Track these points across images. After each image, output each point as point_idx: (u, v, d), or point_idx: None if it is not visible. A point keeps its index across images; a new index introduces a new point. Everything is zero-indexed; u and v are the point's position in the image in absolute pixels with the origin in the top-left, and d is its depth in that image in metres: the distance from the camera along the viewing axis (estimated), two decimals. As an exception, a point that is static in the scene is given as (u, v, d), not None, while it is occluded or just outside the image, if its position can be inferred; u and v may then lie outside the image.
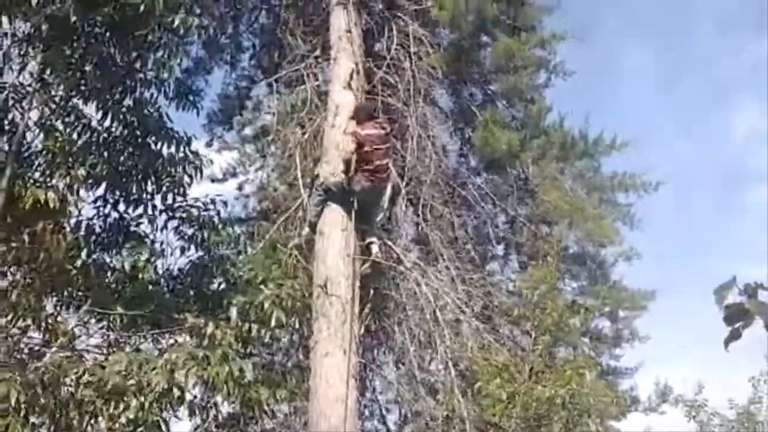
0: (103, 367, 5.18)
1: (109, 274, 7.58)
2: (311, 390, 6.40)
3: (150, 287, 7.60)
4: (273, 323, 6.07)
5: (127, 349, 7.17)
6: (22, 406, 4.66)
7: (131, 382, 5.13)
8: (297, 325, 6.77)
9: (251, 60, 12.33)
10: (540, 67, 9.52)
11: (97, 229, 7.73)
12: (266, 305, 6.15)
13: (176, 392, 5.28)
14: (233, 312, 6.18)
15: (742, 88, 27.81)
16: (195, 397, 5.87)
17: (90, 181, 7.26)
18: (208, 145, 11.65)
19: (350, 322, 6.67)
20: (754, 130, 27.23)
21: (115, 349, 6.99)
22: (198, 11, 7.51)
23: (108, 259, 7.73)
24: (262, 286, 6.43)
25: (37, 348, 6.67)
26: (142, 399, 5.18)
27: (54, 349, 5.61)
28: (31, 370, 4.99)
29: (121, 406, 5.24)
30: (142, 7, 6.69)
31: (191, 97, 8.15)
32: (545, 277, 7.36)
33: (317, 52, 9.76)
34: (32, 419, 4.91)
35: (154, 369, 5.16)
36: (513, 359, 7.08)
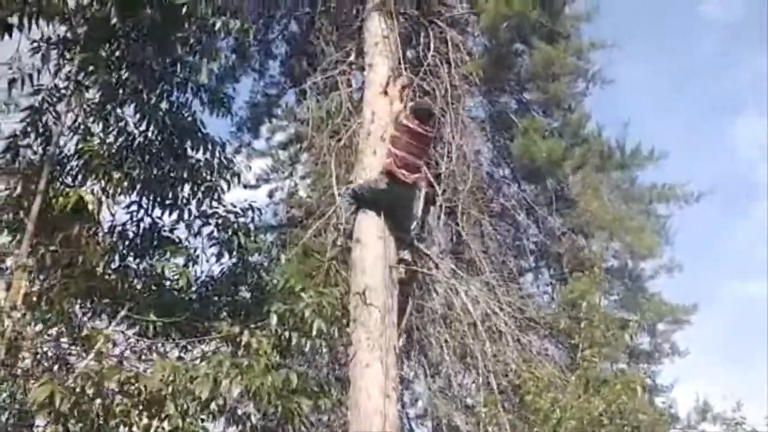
0: (145, 376, 5.03)
1: (141, 280, 7.53)
2: (351, 402, 6.27)
3: (181, 294, 7.50)
4: (314, 332, 5.89)
5: (155, 356, 7.12)
6: (65, 411, 4.51)
7: (172, 390, 4.98)
8: (336, 335, 6.59)
9: (281, 68, 12.28)
10: (578, 76, 9.38)
11: (131, 235, 7.65)
12: (307, 314, 5.97)
13: (219, 401, 5.12)
14: (273, 320, 6.01)
15: (744, 102, 27.71)
16: (236, 407, 5.71)
17: (126, 185, 7.15)
18: (237, 152, 11.56)
19: (389, 332, 6.52)
20: (756, 143, 27.12)
21: (151, 356, 6.92)
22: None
23: (141, 265, 7.66)
24: (302, 294, 6.26)
25: (72, 355, 6.62)
26: (184, 407, 5.03)
27: (92, 355, 5.46)
28: (73, 376, 4.85)
29: (161, 415, 5.10)
30: (183, 9, 6.58)
31: (226, 103, 8.08)
32: (589, 289, 7.18)
33: (351, 58, 9.66)
34: (71, 427, 4.78)
35: (197, 377, 5.01)
36: (559, 373, 6.89)
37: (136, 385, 4.98)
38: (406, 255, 7.54)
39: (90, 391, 4.67)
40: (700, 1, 31.08)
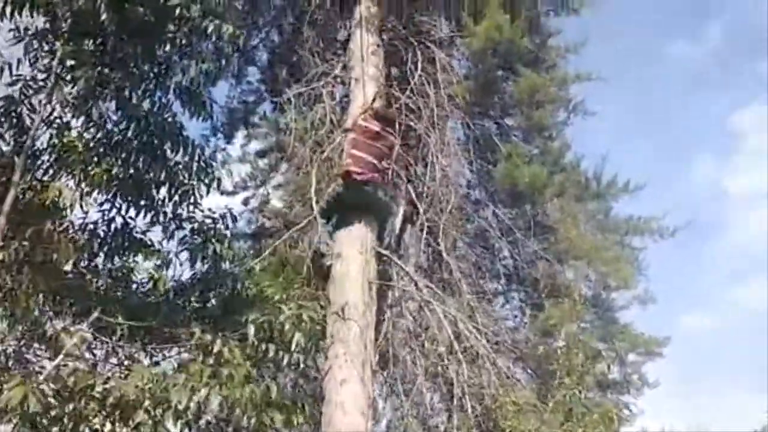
0: (121, 381, 4.84)
1: (109, 280, 7.31)
2: (324, 418, 6.14)
3: (150, 298, 7.29)
4: (293, 346, 5.75)
5: (126, 361, 6.89)
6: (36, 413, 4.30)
7: (147, 397, 4.79)
8: (313, 349, 6.46)
9: (260, 75, 12.15)
10: (561, 105, 9.49)
11: (101, 234, 7.41)
12: (287, 326, 5.84)
13: (193, 411, 4.94)
14: (251, 330, 5.86)
15: (703, 145, 28.66)
16: (209, 417, 5.52)
17: (102, 182, 6.93)
18: (211, 157, 11.34)
19: (367, 349, 6.42)
20: (712, 185, 28.04)
21: (117, 358, 6.71)
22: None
23: (111, 265, 7.43)
24: (282, 306, 6.12)
25: (37, 354, 6.37)
26: (157, 416, 4.84)
27: (60, 357, 5.23)
28: (43, 377, 4.64)
29: (132, 423, 4.90)
30: (177, 10, 6.44)
31: (207, 107, 7.93)
32: (567, 317, 7.19)
33: (336, 71, 9.61)
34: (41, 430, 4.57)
35: (174, 385, 4.83)
36: (534, 399, 6.86)
37: (110, 390, 4.77)
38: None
39: (63, 395, 4.45)
40: (669, 41, 32.03)
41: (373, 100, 8.35)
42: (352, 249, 7.24)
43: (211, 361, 5.77)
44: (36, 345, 6.53)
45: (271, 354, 5.88)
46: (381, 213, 8.06)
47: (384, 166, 7.89)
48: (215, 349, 5.83)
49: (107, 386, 4.88)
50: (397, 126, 8.39)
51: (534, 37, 9.57)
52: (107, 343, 6.68)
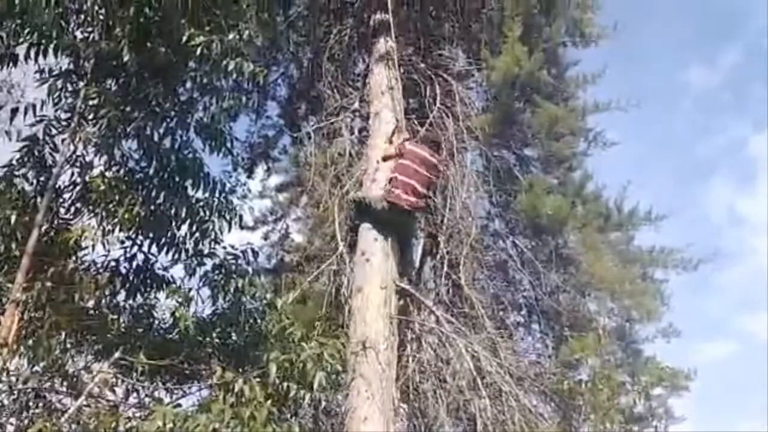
0: (142, 422, 4.81)
1: (131, 318, 7.31)
2: (347, 457, 6.04)
3: (171, 335, 7.28)
4: (315, 385, 5.69)
5: (147, 400, 6.87)
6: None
7: (169, 439, 4.75)
8: (336, 387, 6.40)
9: (279, 110, 12.27)
10: (580, 136, 9.48)
11: (123, 271, 7.44)
12: (309, 365, 5.79)
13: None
14: (273, 369, 5.81)
15: (719, 170, 28.46)
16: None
17: (125, 220, 6.97)
18: (232, 191, 11.42)
19: (389, 385, 6.35)
20: (729, 210, 27.73)
21: (137, 397, 6.68)
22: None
23: (132, 303, 7.44)
24: (303, 344, 6.08)
25: (58, 393, 6.37)
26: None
27: (82, 398, 5.23)
28: (68, 420, 4.63)
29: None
30: (198, 50, 6.53)
31: (228, 143, 7.99)
32: (591, 350, 7.08)
33: (355, 105, 9.68)
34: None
35: (197, 426, 4.79)
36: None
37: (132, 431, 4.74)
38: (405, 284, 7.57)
39: (85, 439, 4.44)
40: (685, 67, 32.00)
41: (393, 133, 8.39)
42: (373, 284, 7.21)
43: (232, 399, 5.75)
44: (57, 383, 6.56)
45: (292, 393, 5.82)
46: (407, 240, 8.15)
47: (427, 193, 8.02)
48: (236, 388, 5.82)
49: (129, 426, 4.84)
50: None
51: (552, 68, 9.60)
52: (128, 381, 6.70)
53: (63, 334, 6.51)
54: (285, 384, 5.86)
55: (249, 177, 12.07)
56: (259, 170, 12.11)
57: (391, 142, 8.34)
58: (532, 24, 9.62)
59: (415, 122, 9.39)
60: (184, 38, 6.55)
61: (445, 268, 8.63)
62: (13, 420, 6.30)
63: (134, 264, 7.38)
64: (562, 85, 9.69)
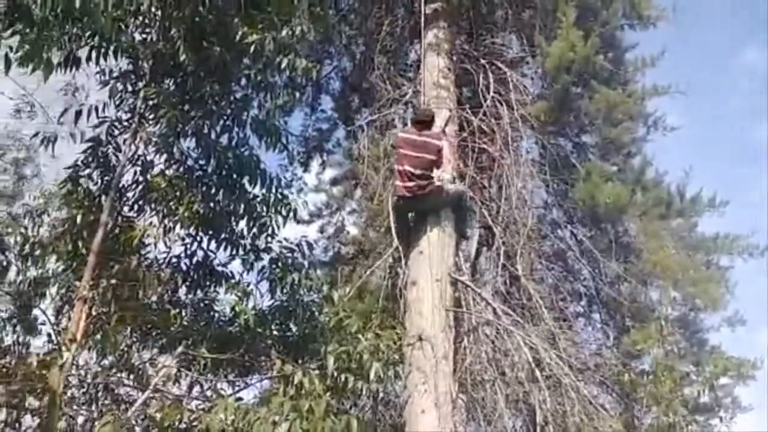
0: (205, 415, 4.93)
1: (192, 313, 7.48)
2: (405, 449, 6.08)
3: (232, 329, 7.43)
4: (372, 376, 5.74)
5: (209, 393, 7.05)
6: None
7: (231, 431, 4.86)
8: (393, 379, 6.44)
9: (333, 103, 12.35)
10: (639, 121, 9.24)
11: (184, 267, 7.62)
12: (365, 357, 5.84)
13: (276, 446, 4.98)
14: (330, 361, 5.89)
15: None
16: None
17: (185, 218, 7.14)
18: (288, 186, 11.56)
19: (446, 377, 6.35)
20: None
21: (202, 391, 6.86)
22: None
23: (193, 298, 7.62)
24: (359, 336, 6.14)
25: (125, 386, 6.59)
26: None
27: (148, 392, 5.40)
28: (131, 412, 4.78)
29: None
30: (252, 48, 6.61)
31: (283, 138, 8.08)
32: (652, 341, 6.93)
33: (408, 97, 9.65)
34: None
35: (257, 419, 4.89)
36: (622, 427, 6.62)
37: (195, 424, 4.87)
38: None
39: (152, 430, 4.58)
40: (741, 47, 30.83)
41: (446, 124, 8.35)
42: (427, 276, 7.21)
43: (292, 392, 5.84)
44: (124, 376, 6.79)
45: (350, 384, 5.88)
46: (454, 209, 8.24)
47: (425, 173, 7.90)
48: (296, 380, 5.91)
49: (192, 418, 4.98)
50: (436, 123, 8.45)
51: (609, 52, 9.37)
52: (191, 375, 6.89)
53: (128, 329, 6.73)
54: (343, 376, 5.94)
55: (305, 171, 12.24)
56: (315, 164, 12.26)
57: (444, 133, 8.30)
58: (587, 7, 9.41)
59: (469, 111, 9.32)
60: (238, 37, 6.63)
61: (502, 259, 8.56)
62: (83, 411, 6.57)
63: (194, 260, 7.55)
64: (619, 69, 9.44)
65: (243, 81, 7.32)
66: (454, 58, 9.91)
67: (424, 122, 8.13)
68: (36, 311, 6.68)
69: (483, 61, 9.80)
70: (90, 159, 7.03)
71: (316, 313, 7.73)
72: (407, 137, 8.00)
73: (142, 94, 6.94)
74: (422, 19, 9.96)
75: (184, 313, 7.27)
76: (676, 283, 8.34)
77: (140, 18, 7.13)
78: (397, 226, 8.16)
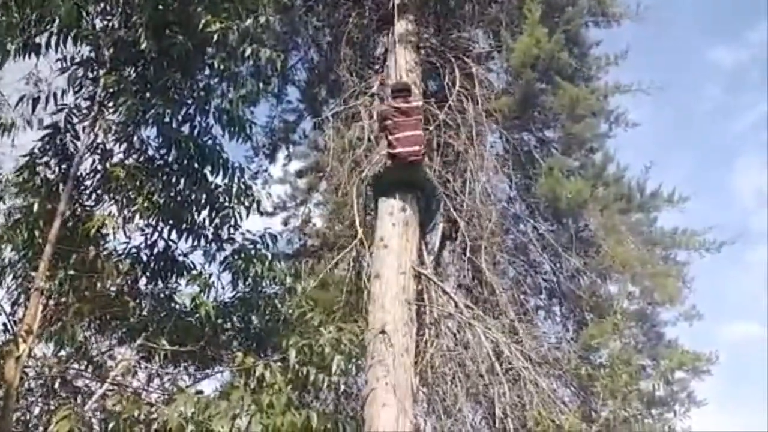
0: (164, 408, 4.88)
1: (152, 304, 7.39)
2: (366, 442, 6.09)
3: (192, 320, 7.36)
4: (334, 369, 5.74)
5: (167, 385, 6.98)
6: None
7: (191, 426, 4.82)
8: (354, 372, 6.45)
9: (300, 94, 12.26)
10: (602, 117, 9.36)
11: (144, 258, 7.51)
12: (327, 350, 5.84)
13: (235, 439, 4.96)
14: (292, 354, 5.86)
15: (746, 149, 27.98)
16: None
17: (145, 207, 7.03)
18: (253, 177, 11.48)
19: (407, 371, 6.38)
20: (755, 190, 27.29)
21: (161, 383, 6.79)
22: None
23: (153, 289, 7.52)
24: (321, 329, 6.13)
25: (82, 377, 6.50)
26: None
27: (106, 385, 5.33)
28: (88, 406, 4.72)
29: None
30: (216, 36, 6.53)
31: (246, 128, 8.00)
32: (609, 334, 7.05)
33: (374, 89, 9.64)
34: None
35: (217, 413, 4.86)
36: (579, 420, 6.72)
37: (157, 419, 4.82)
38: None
39: (110, 425, 4.52)
40: (710, 46, 31.42)
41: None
42: (391, 269, 7.23)
43: (253, 384, 5.81)
44: (82, 367, 6.69)
45: (311, 378, 5.87)
46: (426, 191, 8.43)
47: (420, 134, 8.10)
48: (257, 373, 5.88)
49: (151, 411, 4.92)
50: (413, 90, 8.62)
51: (574, 49, 9.47)
52: (151, 367, 6.81)
53: (87, 320, 6.62)
54: (304, 369, 5.92)
55: (270, 162, 12.15)
56: (280, 155, 12.18)
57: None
58: (552, 4, 9.49)
59: (434, 105, 9.34)
60: (201, 25, 6.54)
61: (466, 253, 8.61)
62: (40, 403, 6.46)
63: (155, 250, 7.45)
64: (583, 66, 9.56)
65: (206, 70, 7.21)
66: (421, 51, 9.92)
67: (402, 91, 8.31)
68: (-11, 301, 6.52)
69: (449, 56, 9.84)
70: (48, 147, 6.89)
71: (279, 306, 7.71)
72: (396, 106, 8.13)
73: (102, 81, 6.81)
74: (389, 12, 9.96)
75: (143, 304, 7.19)
76: (634, 277, 8.47)
77: (101, 4, 6.99)
78: (364, 217, 8.22)
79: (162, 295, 7.35)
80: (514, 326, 7.86)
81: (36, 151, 6.84)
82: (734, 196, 27.13)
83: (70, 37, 6.75)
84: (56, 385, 6.48)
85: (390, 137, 7.99)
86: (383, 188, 8.30)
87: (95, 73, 7.05)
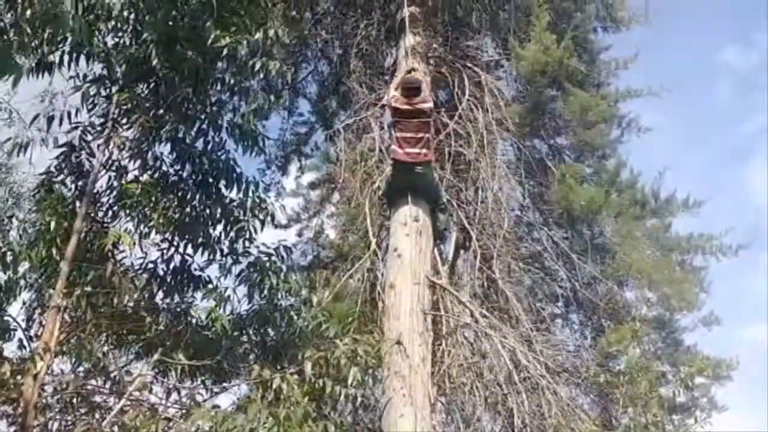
0: (180, 424, 4.89)
1: (169, 318, 7.42)
2: (384, 454, 6.07)
3: (208, 334, 7.37)
4: (350, 381, 5.73)
5: (185, 400, 6.98)
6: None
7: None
8: (371, 384, 6.44)
9: (311, 107, 12.32)
10: (613, 123, 9.33)
11: (161, 273, 7.55)
12: (342, 362, 5.83)
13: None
14: (308, 367, 5.86)
15: (759, 150, 27.75)
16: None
17: (160, 223, 7.07)
18: (266, 190, 11.55)
19: (424, 381, 6.35)
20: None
21: (179, 397, 6.80)
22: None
23: (169, 304, 7.55)
24: (337, 341, 6.13)
25: (100, 393, 6.52)
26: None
27: (123, 400, 5.34)
28: (106, 422, 4.73)
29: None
30: (226, 51, 6.58)
31: (259, 142, 8.04)
32: (628, 341, 6.99)
33: (384, 100, 9.65)
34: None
35: (234, 428, 4.86)
36: (599, 428, 6.67)
37: (171, 432, 4.84)
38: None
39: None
40: (720, 48, 31.28)
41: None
42: (405, 280, 7.22)
43: (270, 397, 5.81)
44: (100, 383, 6.71)
45: (328, 389, 5.86)
46: (430, 195, 8.36)
47: (426, 137, 8.05)
48: (274, 386, 5.88)
49: (169, 426, 4.93)
50: (423, 88, 8.54)
51: (583, 55, 9.47)
52: (168, 382, 6.82)
53: (104, 336, 6.65)
54: (321, 381, 5.92)
55: (283, 175, 12.21)
56: (293, 168, 12.24)
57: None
58: (561, 11, 9.52)
59: (445, 114, 9.35)
60: (211, 40, 6.59)
61: (479, 262, 8.59)
62: (58, 419, 6.48)
63: (171, 265, 7.48)
64: (593, 71, 9.56)
65: (218, 85, 7.25)
66: (431, 61, 9.94)
67: (412, 89, 8.26)
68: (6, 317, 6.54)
69: (458, 65, 9.86)
70: (63, 165, 6.96)
71: (295, 318, 7.72)
72: (401, 106, 8.12)
73: (115, 98, 6.88)
74: (398, 23, 10.00)
75: (160, 319, 7.22)
76: (651, 283, 8.42)
77: (112, 22, 7.05)
78: (377, 228, 8.22)
79: (178, 310, 7.38)
80: (531, 335, 7.81)
81: (52, 169, 6.90)
82: (748, 197, 26.87)
83: (82, 55, 6.80)
84: (74, 401, 6.51)
85: (394, 134, 8.09)
86: (392, 195, 8.30)
87: (108, 90, 7.10)
